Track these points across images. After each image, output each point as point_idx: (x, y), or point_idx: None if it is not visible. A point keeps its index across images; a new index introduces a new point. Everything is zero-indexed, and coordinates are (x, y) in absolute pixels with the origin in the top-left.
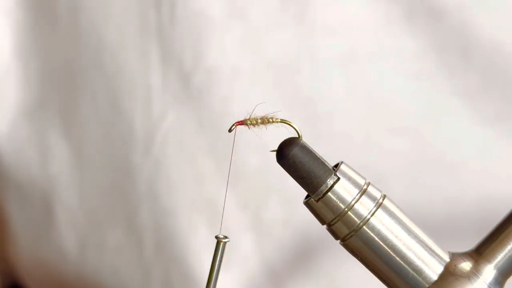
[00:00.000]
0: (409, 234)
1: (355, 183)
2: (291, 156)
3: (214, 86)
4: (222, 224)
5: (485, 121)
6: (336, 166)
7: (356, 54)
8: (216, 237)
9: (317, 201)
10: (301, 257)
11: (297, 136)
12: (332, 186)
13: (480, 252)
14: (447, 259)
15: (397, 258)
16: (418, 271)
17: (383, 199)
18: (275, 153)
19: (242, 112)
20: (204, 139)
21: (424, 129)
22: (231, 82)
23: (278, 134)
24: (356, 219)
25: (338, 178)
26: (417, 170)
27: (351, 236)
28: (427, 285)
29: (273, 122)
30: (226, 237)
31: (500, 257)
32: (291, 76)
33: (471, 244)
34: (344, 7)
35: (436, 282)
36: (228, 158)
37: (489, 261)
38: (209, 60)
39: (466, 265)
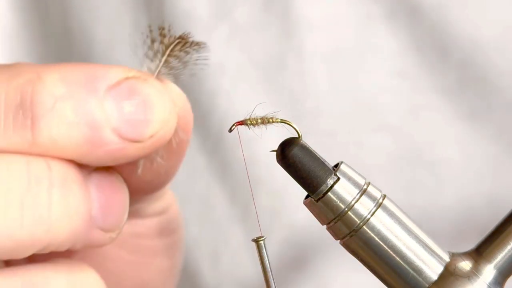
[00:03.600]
0: (409, 234)
1: (355, 183)
2: (291, 156)
3: (202, 83)
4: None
5: (464, 117)
6: (336, 166)
7: (340, 52)
8: (252, 240)
9: (317, 201)
10: (291, 250)
11: (297, 136)
12: (332, 186)
13: (480, 252)
14: (447, 259)
15: (397, 258)
16: (418, 271)
17: (383, 199)
18: (275, 153)
19: (229, 108)
20: (194, 135)
21: (405, 126)
22: (218, 79)
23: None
24: (356, 219)
25: (338, 178)
26: (398, 166)
27: (351, 236)
28: (427, 285)
29: (273, 122)
30: (261, 237)
31: (500, 257)
32: (276, 73)
33: (449, 240)
34: (326, 5)
35: (436, 282)
36: (218, 152)
37: (489, 261)
38: None
39: (466, 265)
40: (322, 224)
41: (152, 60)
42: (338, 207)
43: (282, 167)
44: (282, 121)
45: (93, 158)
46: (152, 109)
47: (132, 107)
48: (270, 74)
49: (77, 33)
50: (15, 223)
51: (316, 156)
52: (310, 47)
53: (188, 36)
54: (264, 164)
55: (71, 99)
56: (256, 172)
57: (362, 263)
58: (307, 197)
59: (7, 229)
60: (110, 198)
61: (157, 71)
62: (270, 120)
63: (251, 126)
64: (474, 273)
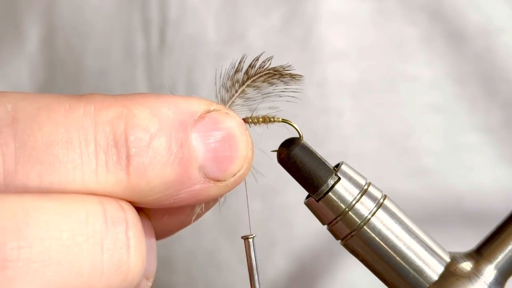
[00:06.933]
0: (409, 234)
1: (355, 183)
2: (292, 156)
3: None
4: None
5: (510, 160)
6: (337, 166)
7: (367, 84)
8: (242, 237)
9: (318, 201)
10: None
11: (298, 136)
12: (333, 186)
13: (481, 253)
14: (448, 259)
15: (398, 258)
16: (419, 271)
17: (383, 199)
18: (275, 153)
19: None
20: None
21: (442, 170)
22: None
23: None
24: (356, 219)
25: (339, 178)
26: (435, 218)
27: (352, 236)
28: (428, 285)
29: (274, 121)
30: (251, 235)
31: (500, 257)
32: (296, 110)
33: None
34: (351, 29)
35: (436, 282)
36: None
37: (489, 261)
38: (204, 93)
39: (466, 265)
40: (323, 224)
41: (228, 90)
42: (338, 207)
43: (283, 167)
44: (284, 121)
45: (171, 201)
46: (236, 144)
47: (218, 143)
48: (289, 110)
49: (63, 59)
50: (96, 271)
51: (317, 156)
52: (334, 77)
53: (286, 68)
54: (280, 221)
55: (165, 135)
56: (272, 230)
57: (362, 263)
58: (308, 197)
59: (88, 278)
60: (148, 243)
61: (230, 101)
62: (272, 119)
63: (253, 124)
64: (474, 273)
